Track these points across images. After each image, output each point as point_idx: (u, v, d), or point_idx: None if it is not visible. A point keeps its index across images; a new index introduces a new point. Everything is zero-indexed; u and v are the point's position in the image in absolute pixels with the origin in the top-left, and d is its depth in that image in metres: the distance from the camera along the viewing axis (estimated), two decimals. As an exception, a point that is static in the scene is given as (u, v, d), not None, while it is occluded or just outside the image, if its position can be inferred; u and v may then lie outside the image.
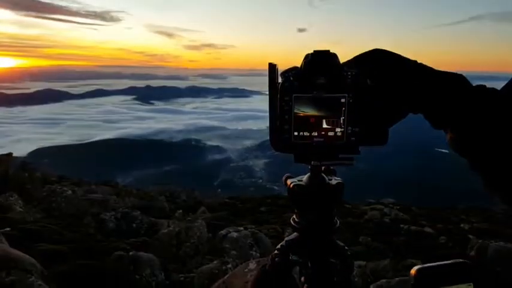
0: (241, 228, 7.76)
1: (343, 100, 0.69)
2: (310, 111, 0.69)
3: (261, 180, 79.36)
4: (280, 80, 0.69)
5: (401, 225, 12.29)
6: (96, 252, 6.41)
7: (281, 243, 0.73)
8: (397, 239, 11.02)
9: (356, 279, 6.70)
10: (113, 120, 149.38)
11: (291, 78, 0.68)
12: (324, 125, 0.69)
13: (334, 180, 0.72)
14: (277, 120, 0.69)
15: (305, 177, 0.72)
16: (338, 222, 0.72)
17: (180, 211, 12.18)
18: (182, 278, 5.58)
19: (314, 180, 0.71)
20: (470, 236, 10.32)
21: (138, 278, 5.11)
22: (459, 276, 0.56)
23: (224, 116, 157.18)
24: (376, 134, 0.72)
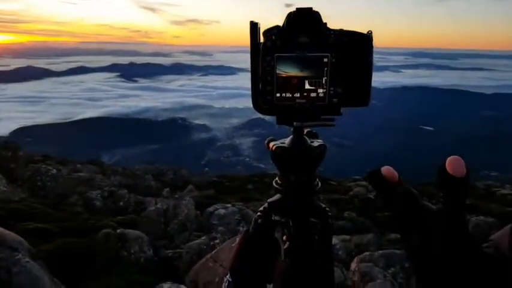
0: (229, 205, 7.83)
1: (325, 60, 0.68)
2: (292, 72, 0.68)
3: (248, 159, 79.56)
4: (262, 39, 0.69)
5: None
6: (83, 231, 6.41)
7: (263, 205, 0.74)
8: (381, 214, 11.26)
9: (340, 252, 6.86)
10: (96, 98, 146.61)
11: (273, 37, 0.67)
12: (307, 86, 0.69)
13: (316, 143, 0.72)
14: (260, 82, 0.69)
15: (288, 140, 0.72)
16: (319, 183, 0.73)
17: (168, 189, 12.19)
18: (170, 254, 5.64)
19: (296, 142, 0.71)
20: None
21: (126, 254, 5.15)
22: None
23: (210, 94, 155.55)
24: (358, 94, 0.72)
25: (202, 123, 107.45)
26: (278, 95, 0.69)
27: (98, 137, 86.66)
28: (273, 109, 0.69)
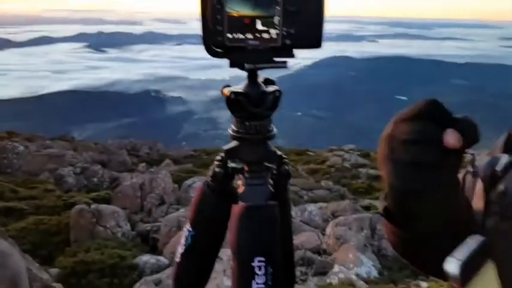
0: (206, 177, 7.78)
1: None
2: (243, 11, 0.66)
3: (226, 132, 79.06)
4: None
5: (361, 170, 12.81)
6: (56, 208, 6.27)
7: (220, 154, 0.74)
8: (356, 182, 11.52)
9: (317, 218, 6.99)
10: (63, 70, 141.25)
11: None
12: (259, 27, 0.67)
13: (272, 88, 0.72)
14: (210, 22, 0.66)
15: (242, 85, 0.72)
16: (275, 129, 0.73)
17: (143, 164, 12.02)
18: (149, 228, 5.59)
19: (251, 87, 0.71)
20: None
21: (102, 230, 5.06)
22: None
23: (185, 65, 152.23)
24: (311, 36, 0.70)
25: (177, 95, 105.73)
26: (229, 35, 0.66)
27: (67, 112, 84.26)
28: (224, 51, 0.68)
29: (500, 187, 0.50)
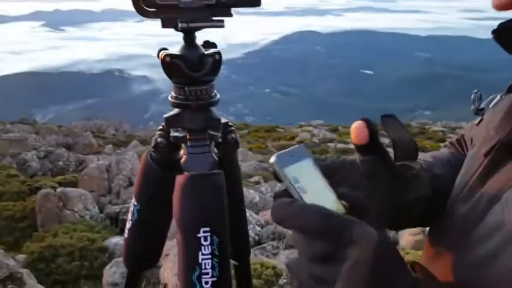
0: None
1: None
2: None
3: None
4: None
5: (329, 144, 13.07)
6: (21, 193, 6.09)
7: (161, 123, 0.71)
8: (325, 156, 11.76)
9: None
10: (20, 51, 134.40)
11: None
12: None
13: (212, 50, 0.67)
14: None
15: (179, 48, 0.66)
16: (218, 95, 0.69)
17: (110, 146, 11.76)
18: (117, 209, 5.53)
19: (188, 49, 0.66)
20: (389, 150, 11.30)
21: (69, 213, 4.97)
22: None
23: (149, 43, 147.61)
24: None
25: (142, 74, 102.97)
26: None
27: (27, 94, 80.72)
28: (156, 10, 0.63)
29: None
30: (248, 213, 5.62)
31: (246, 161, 10.50)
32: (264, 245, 5.11)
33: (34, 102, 75.73)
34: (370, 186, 0.51)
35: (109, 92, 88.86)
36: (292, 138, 14.57)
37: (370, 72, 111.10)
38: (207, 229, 0.60)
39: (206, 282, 0.59)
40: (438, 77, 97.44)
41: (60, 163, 9.12)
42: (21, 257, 4.05)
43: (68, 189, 5.51)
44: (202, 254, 0.59)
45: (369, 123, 0.49)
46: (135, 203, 0.72)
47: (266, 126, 19.18)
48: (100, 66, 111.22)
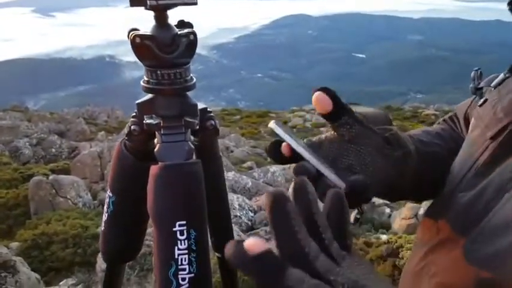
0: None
1: None
2: None
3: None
4: None
5: (322, 129, 13.10)
6: (14, 181, 6.07)
7: (134, 110, 0.66)
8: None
9: (280, 179, 7.16)
10: (10, 37, 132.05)
11: None
12: None
13: (186, 30, 0.62)
14: None
15: (150, 28, 0.62)
16: (194, 79, 0.65)
17: (102, 132, 11.71)
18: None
19: (159, 29, 0.61)
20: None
21: (62, 200, 4.98)
22: None
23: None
24: None
25: (133, 60, 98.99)
26: None
27: (18, 81, 79.58)
28: None
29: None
30: (241, 198, 5.66)
31: (239, 146, 10.52)
32: (257, 230, 5.17)
33: (25, 89, 74.81)
34: (356, 151, 0.50)
35: (101, 78, 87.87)
36: (285, 123, 14.57)
37: (363, 55, 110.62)
38: (183, 222, 0.56)
39: (183, 279, 0.56)
40: (430, 60, 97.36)
41: (53, 150, 9.08)
42: (14, 244, 4.07)
43: (60, 176, 5.51)
44: (179, 249, 0.56)
45: (327, 90, 0.49)
46: (110, 195, 0.69)
47: (258, 111, 19.14)
48: (91, 52, 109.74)
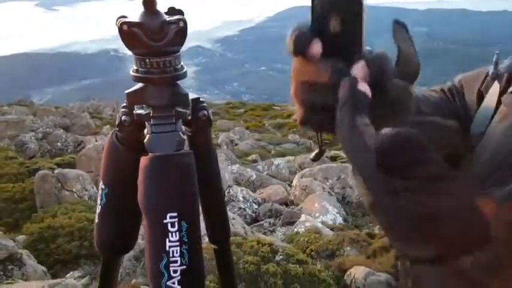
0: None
1: None
2: None
3: (191, 89, 77.04)
4: None
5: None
6: (19, 175, 6.12)
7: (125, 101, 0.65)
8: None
9: (284, 171, 7.15)
10: (14, 32, 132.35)
11: None
12: None
13: (176, 17, 0.60)
14: None
15: (139, 15, 0.60)
16: (185, 67, 0.64)
17: (107, 126, 11.75)
18: (116, 189, 5.57)
19: (148, 16, 0.59)
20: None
21: (68, 194, 5.01)
22: None
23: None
24: None
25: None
26: None
27: (23, 76, 79.94)
28: None
29: None
30: (245, 191, 5.67)
31: (243, 139, 10.52)
32: (261, 222, 5.18)
33: (30, 84, 75.15)
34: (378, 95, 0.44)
35: (105, 72, 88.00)
36: (289, 116, 14.54)
37: (368, 47, 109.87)
38: (174, 214, 0.56)
39: (175, 271, 0.56)
40: (436, 52, 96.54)
41: (58, 144, 9.13)
42: (20, 238, 4.10)
43: (66, 170, 5.53)
44: (170, 241, 0.55)
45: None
46: (103, 187, 0.68)
47: (263, 104, 19.11)
48: (95, 46, 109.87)
